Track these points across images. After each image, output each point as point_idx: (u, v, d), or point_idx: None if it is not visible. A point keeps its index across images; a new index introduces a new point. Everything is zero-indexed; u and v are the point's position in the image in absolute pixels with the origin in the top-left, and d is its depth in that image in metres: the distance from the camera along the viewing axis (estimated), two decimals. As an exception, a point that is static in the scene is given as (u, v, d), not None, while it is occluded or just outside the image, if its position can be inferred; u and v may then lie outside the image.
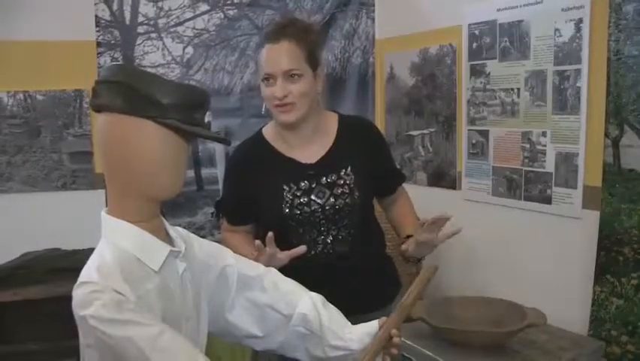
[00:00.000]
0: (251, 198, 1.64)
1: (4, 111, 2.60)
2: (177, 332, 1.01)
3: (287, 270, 1.37)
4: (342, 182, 1.63)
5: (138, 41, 2.77)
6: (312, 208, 1.61)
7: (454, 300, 1.98)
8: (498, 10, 2.29)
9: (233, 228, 1.74)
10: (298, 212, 1.60)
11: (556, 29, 2.06)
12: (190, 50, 2.85)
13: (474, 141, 2.47)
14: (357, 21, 3.09)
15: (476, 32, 2.40)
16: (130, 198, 1.07)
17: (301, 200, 1.61)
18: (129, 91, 1.01)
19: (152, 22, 2.78)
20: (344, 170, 1.64)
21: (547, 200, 2.16)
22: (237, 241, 1.66)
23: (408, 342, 1.81)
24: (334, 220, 1.63)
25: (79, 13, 2.63)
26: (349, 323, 1.27)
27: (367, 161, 1.67)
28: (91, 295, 0.95)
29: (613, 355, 1.91)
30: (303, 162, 1.64)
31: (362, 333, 1.23)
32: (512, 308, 1.82)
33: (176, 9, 2.80)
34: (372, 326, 1.23)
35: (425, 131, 2.77)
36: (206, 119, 1.11)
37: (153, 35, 2.78)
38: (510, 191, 2.32)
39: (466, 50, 2.46)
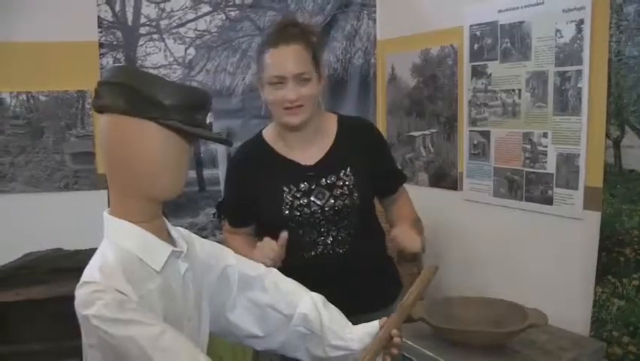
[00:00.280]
0: (251, 199, 1.65)
1: (7, 112, 2.61)
2: (179, 332, 1.02)
3: (287, 270, 1.38)
4: (341, 183, 1.63)
5: (140, 42, 2.78)
6: (312, 210, 1.61)
7: (454, 300, 1.98)
8: (499, 11, 2.29)
9: (234, 230, 1.75)
10: (298, 213, 1.61)
11: (558, 30, 2.06)
12: (192, 51, 2.85)
13: (475, 142, 2.47)
14: (359, 22, 3.10)
15: (477, 33, 2.40)
16: (132, 199, 1.07)
17: (301, 201, 1.61)
18: (131, 92, 1.02)
19: (154, 24, 2.79)
20: (343, 171, 1.64)
21: (549, 201, 2.16)
22: (238, 243, 1.67)
23: (408, 342, 1.82)
24: (334, 221, 1.63)
25: (81, 14, 2.64)
26: (350, 323, 1.28)
27: (367, 162, 1.67)
28: (93, 295, 0.96)
29: (614, 356, 1.91)
30: (303, 163, 1.64)
31: (363, 333, 1.24)
32: (513, 309, 1.82)
33: (178, 10, 2.81)
34: (372, 326, 1.24)
35: (426, 132, 2.78)
36: (207, 120, 1.11)
37: (155, 36, 2.79)
38: (511, 192, 2.32)
39: (467, 51, 2.46)
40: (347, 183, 1.63)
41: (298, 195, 1.62)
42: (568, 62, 2.04)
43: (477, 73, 2.42)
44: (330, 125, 1.69)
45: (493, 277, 2.42)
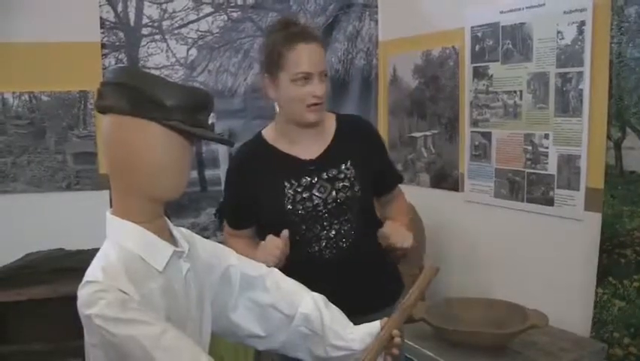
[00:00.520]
0: (252, 198, 1.65)
1: (10, 112, 2.62)
2: (181, 331, 1.02)
3: (292, 266, 1.38)
4: (342, 176, 1.65)
5: (142, 43, 2.78)
6: (315, 203, 1.62)
7: (455, 301, 1.98)
8: (501, 12, 2.30)
9: (234, 232, 1.76)
10: (300, 207, 1.62)
11: (559, 32, 2.06)
12: (194, 51, 2.86)
13: (476, 143, 2.48)
14: (361, 23, 3.10)
15: (479, 35, 2.41)
16: (134, 199, 1.08)
17: (303, 195, 1.62)
18: (133, 93, 1.02)
19: (156, 24, 2.79)
20: (344, 164, 1.65)
21: (550, 202, 2.16)
22: (239, 245, 1.66)
23: (409, 343, 1.82)
24: (336, 214, 1.64)
25: (84, 15, 2.65)
26: (351, 323, 1.28)
27: (366, 156, 1.69)
28: (96, 295, 0.96)
29: (615, 357, 1.92)
30: (304, 158, 1.65)
31: (364, 333, 1.24)
32: (514, 310, 1.82)
33: (180, 11, 2.82)
34: (373, 326, 1.24)
35: (428, 133, 2.78)
36: (209, 121, 1.12)
37: (157, 37, 2.80)
38: (512, 193, 2.32)
39: (468, 52, 2.47)
40: (348, 175, 1.65)
41: (300, 190, 1.62)
42: (569, 63, 2.04)
43: (478, 74, 2.43)
44: (329, 123, 1.71)
45: (494, 278, 2.42)
